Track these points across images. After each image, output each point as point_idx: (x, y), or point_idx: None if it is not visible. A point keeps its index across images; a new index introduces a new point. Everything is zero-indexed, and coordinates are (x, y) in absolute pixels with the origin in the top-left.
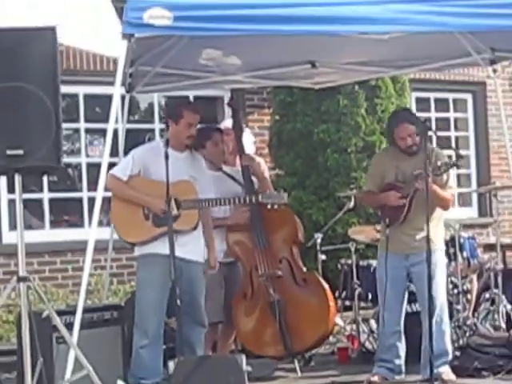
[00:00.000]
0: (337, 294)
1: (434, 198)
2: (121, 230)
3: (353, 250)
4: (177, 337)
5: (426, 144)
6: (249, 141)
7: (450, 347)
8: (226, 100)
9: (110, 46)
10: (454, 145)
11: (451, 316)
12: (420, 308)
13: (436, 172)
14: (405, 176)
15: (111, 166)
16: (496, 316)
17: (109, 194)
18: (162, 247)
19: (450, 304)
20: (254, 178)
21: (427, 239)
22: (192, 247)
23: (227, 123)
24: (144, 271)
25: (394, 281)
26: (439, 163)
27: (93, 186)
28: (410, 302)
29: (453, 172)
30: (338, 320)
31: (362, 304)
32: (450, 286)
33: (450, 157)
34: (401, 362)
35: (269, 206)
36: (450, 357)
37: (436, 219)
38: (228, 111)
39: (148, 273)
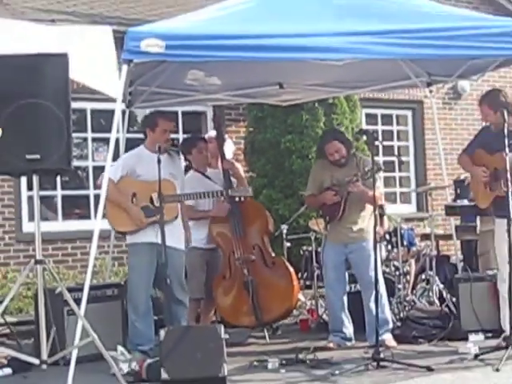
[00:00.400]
0: (299, 275)
1: (365, 197)
2: (113, 222)
3: (312, 238)
4: (164, 311)
5: (372, 153)
6: (230, 149)
7: (390, 317)
8: (210, 115)
9: (104, 84)
10: (396, 152)
11: (393, 293)
12: (360, 288)
13: (364, 177)
14: (339, 182)
15: None
16: (430, 293)
17: None
18: (147, 236)
19: (393, 283)
20: (233, 179)
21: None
22: (173, 236)
23: (211, 133)
24: (134, 257)
25: (336, 266)
26: (366, 169)
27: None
28: (352, 282)
29: (380, 175)
30: (301, 296)
31: (320, 283)
32: (393, 269)
33: (376, 163)
34: (350, 331)
35: (236, 199)
36: (391, 325)
37: (368, 214)
38: (212, 124)
39: (137, 259)
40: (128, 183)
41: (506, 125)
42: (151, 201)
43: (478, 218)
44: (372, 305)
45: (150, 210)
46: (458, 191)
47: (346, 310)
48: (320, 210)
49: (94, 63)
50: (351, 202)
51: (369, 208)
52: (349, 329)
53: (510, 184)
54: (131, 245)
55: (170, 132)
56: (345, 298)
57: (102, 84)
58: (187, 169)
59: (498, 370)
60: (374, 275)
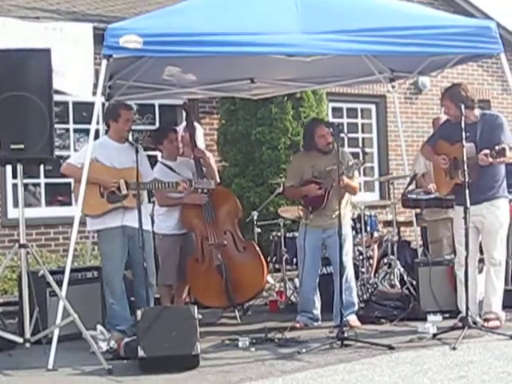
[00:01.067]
0: (269, 258)
1: (347, 187)
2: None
3: (281, 224)
4: (135, 293)
5: (338, 145)
6: (200, 134)
7: (356, 300)
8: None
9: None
10: (360, 144)
11: (357, 277)
12: (332, 270)
13: (349, 170)
14: (320, 172)
15: None
16: (392, 277)
17: None
18: (114, 221)
19: (357, 267)
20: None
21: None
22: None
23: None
24: (105, 244)
25: (313, 249)
26: (351, 163)
27: None
28: (324, 265)
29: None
30: (270, 279)
31: (288, 267)
32: (357, 253)
33: (355, 156)
34: (318, 312)
35: (199, 191)
36: (357, 308)
37: (344, 201)
38: (182, 112)
39: (109, 245)
40: (94, 168)
41: (463, 118)
42: (118, 187)
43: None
44: (342, 287)
45: (116, 195)
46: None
47: (318, 292)
48: (301, 201)
49: (72, 60)
50: (334, 191)
51: (346, 195)
52: (317, 310)
53: (466, 174)
54: (101, 230)
55: (132, 121)
56: (317, 280)
57: (75, 84)
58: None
59: (454, 348)
60: (340, 258)
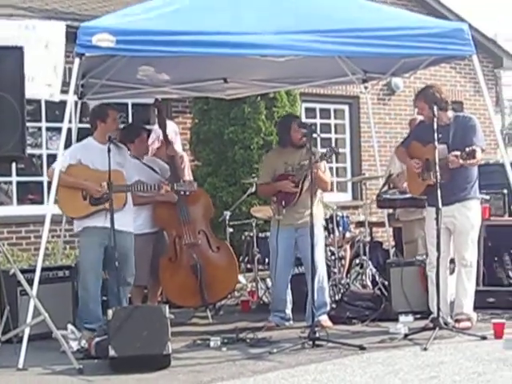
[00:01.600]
0: (241, 258)
1: (319, 181)
2: (64, 208)
3: (254, 224)
4: (109, 292)
5: (311, 145)
6: (171, 129)
7: (328, 300)
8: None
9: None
10: (333, 144)
11: (329, 277)
12: (304, 270)
13: (323, 158)
14: (293, 167)
15: None
16: (364, 277)
17: None
18: (97, 221)
19: (329, 267)
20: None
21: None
22: (122, 221)
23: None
24: (84, 240)
25: (286, 249)
26: (325, 150)
27: None
28: (296, 265)
29: (327, 165)
30: (242, 279)
31: (260, 267)
32: (329, 254)
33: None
34: (289, 312)
35: (182, 193)
36: (328, 308)
37: (317, 200)
38: (154, 110)
39: (87, 242)
40: (79, 170)
41: (435, 119)
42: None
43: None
44: (314, 287)
45: (98, 198)
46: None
47: (290, 292)
48: (274, 197)
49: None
50: (306, 186)
51: (318, 193)
52: (289, 310)
53: (438, 175)
54: (82, 229)
55: (118, 121)
56: (289, 280)
57: (43, 88)
58: None
59: (425, 349)
60: (311, 258)
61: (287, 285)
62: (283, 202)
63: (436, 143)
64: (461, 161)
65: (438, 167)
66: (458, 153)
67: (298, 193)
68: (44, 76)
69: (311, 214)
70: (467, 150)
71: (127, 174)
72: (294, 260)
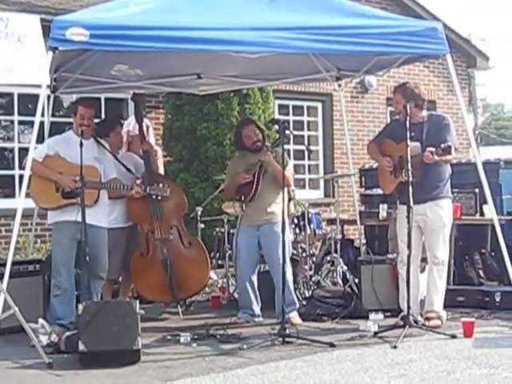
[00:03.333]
0: (212, 254)
1: (277, 175)
2: (36, 198)
3: (225, 221)
4: (82, 287)
5: (283, 142)
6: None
7: (295, 298)
8: (131, 101)
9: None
10: (306, 142)
11: (297, 275)
12: (269, 268)
13: (274, 145)
14: (251, 165)
15: None
16: (334, 274)
17: None
18: (69, 215)
19: (300, 264)
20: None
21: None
22: (95, 216)
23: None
24: (56, 235)
25: (248, 248)
26: (272, 141)
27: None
28: (262, 262)
29: (292, 161)
30: (213, 275)
31: (231, 263)
32: (300, 251)
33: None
34: (257, 308)
35: (154, 197)
36: (298, 305)
37: (280, 198)
38: (131, 104)
39: (59, 237)
40: (55, 162)
41: (408, 118)
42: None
43: (381, 206)
44: (280, 285)
45: (70, 192)
46: (363, 179)
47: (256, 289)
48: (237, 196)
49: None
50: (265, 182)
51: (281, 193)
52: (258, 306)
53: (410, 173)
54: (55, 223)
55: (89, 118)
56: (254, 278)
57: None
58: None
59: (395, 347)
60: (282, 257)
61: (251, 283)
62: (242, 197)
63: (408, 141)
64: (436, 157)
65: (409, 165)
66: (433, 149)
67: (255, 185)
68: (25, 65)
69: (272, 212)
70: (443, 145)
71: (106, 170)
72: (258, 257)
